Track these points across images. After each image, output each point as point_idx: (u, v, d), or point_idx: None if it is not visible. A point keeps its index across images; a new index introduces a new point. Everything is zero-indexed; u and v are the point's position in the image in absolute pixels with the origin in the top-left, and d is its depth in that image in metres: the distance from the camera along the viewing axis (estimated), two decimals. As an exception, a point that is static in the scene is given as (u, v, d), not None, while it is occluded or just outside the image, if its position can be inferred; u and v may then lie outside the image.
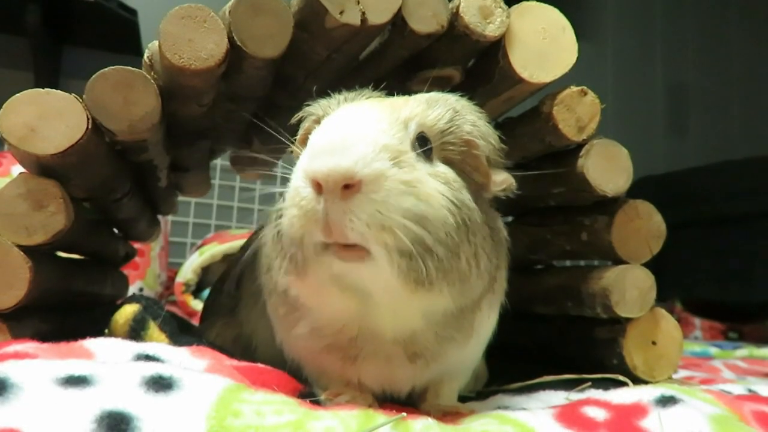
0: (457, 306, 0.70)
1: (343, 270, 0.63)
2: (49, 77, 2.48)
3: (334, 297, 0.66)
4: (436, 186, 0.65)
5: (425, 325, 0.70)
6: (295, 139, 0.79)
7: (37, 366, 0.57)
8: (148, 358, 0.70)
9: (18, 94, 0.77)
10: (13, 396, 0.51)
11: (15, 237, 0.77)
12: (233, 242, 2.41)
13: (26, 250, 0.77)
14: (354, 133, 0.63)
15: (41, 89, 0.77)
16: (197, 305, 2.32)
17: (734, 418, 0.68)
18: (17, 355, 0.63)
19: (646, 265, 0.98)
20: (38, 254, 0.80)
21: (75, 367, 0.57)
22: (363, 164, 0.60)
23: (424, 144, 0.69)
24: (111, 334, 0.93)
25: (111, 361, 0.65)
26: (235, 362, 0.75)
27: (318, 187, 0.60)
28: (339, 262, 0.62)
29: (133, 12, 2.50)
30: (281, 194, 0.70)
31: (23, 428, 0.48)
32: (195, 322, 1.57)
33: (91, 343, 0.72)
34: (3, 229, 0.77)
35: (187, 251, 2.85)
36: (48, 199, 0.78)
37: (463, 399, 0.87)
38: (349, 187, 0.59)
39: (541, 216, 1.14)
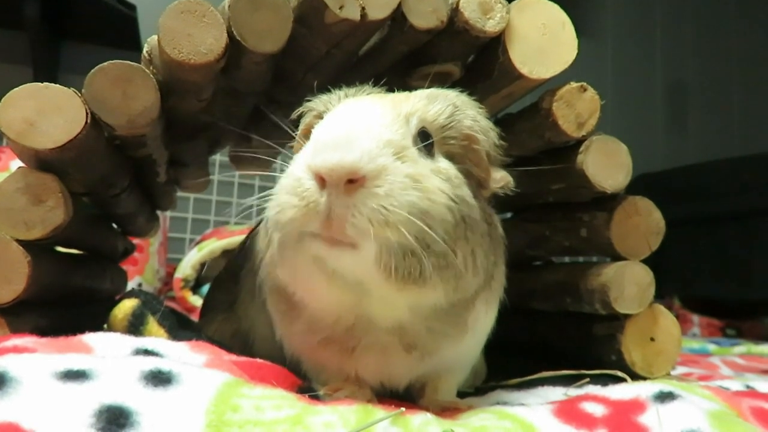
0: (448, 302, 0.69)
1: (323, 253, 0.63)
2: (47, 72, 2.48)
3: (321, 285, 0.66)
4: (437, 182, 0.66)
5: (413, 318, 0.70)
6: (295, 134, 0.79)
7: (36, 360, 0.57)
8: (147, 352, 0.70)
9: (17, 89, 0.77)
10: (12, 390, 0.51)
11: (14, 231, 0.77)
12: (232, 238, 2.41)
13: (25, 244, 0.77)
14: (358, 128, 0.63)
15: (40, 83, 0.77)
16: (196, 301, 2.32)
17: (732, 414, 0.68)
18: (16, 350, 0.63)
19: (645, 261, 0.98)
20: (37, 249, 0.80)
21: (74, 361, 0.57)
22: (368, 159, 0.60)
23: (425, 139, 0.69)
24: (110, 329, 0.92)
25: (110, 356, 0.65)
26: (234, 357, 0.75)
27: (321, 181, 0.60)
28: (322, 247, 0.62)
29: (131, 7, 2.49)
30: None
31: (22, 422, 0.48)
32: (194, 317, 1.57)
33: (90, 338, 0.72)
34: (2, 224, 0.77)
35: (186, 247, 2.85)
36: (47, 193, 0.78)
37: (461, 395, 0.87)
38: (352, 181, 0.60)
39: (541, 212, 1.14)
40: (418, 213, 0.61)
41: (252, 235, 0.91)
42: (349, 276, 0.64)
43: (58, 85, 0.77)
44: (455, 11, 0.87)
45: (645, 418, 0.65)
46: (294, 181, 0.63)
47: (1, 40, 2.64)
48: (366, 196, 0.60)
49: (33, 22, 2.39)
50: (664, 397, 0.69)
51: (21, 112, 0.76)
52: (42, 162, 0.79)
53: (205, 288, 2.35)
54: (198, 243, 2.54)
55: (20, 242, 0.77)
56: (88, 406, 0.51)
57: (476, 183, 0.74)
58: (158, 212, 1.54)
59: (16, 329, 0.78)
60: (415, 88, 0.78)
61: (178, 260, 2.55)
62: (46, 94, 0.77)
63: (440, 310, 0.70)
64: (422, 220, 0.61)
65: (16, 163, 2.13)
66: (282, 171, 0.70)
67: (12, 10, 2.37)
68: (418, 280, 0.63)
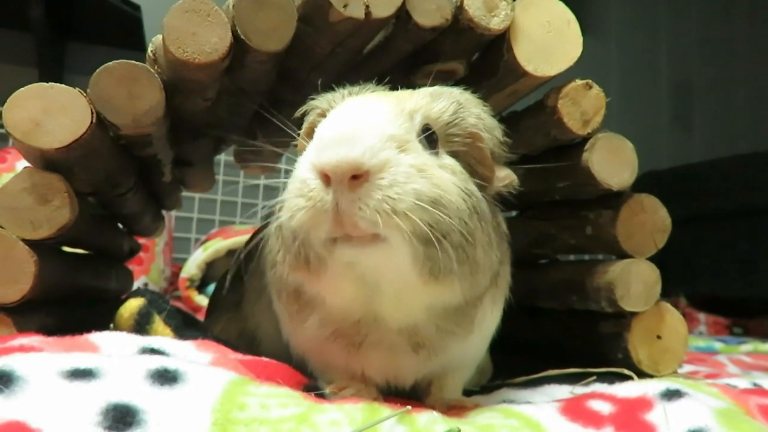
0: (464, 299, 0.69)
1: (356, 257, 0.63)
2: (53, 72, 2.48)
3: (349, 287, 0.66)
4: (445, 174, 0.66)
5: (427, 318, 0.70)
6: (299, 133, 0.79)
7: (42, 359, 0.57)
8: (153, 351, 0.70)
9: (22, 89, 0.77)
10: (18, 389, 0.51)
11: (20, 231, 0.77)
12: (237, 237, 2.42)
13: (31, 244, 0.77)
14: (361, 124, 0.63)
15: (45, 83, 0.77)
16: (202, 300, 2.32)
17: (740, 411, 0.68)
18: (23, 349, 0.63)
19: (651, 259, 0.98)
20: (43, 248, 0.80)
21: (80, 360, 0.57)
22: (371, 155, 0.60)
23: (429, 136, 0.69)
24: (116, 328, 0.93)
25: (116, 355, 0.65)
26: (240, 356, 0.75)
27: (326, 178, 0.60)
28: (351, 248, 0.62)
29: (136, 7, 2.50)
30: (285, 187, 0.70)
31: (29, 421, 0.48)
32: (199, 317, 1.57)
33: (96, 337, 0.72)
34: (8, 224, 0.77)
35: (191, 246, 2.85)
36: (53, 193, 0.78)
37: (467, 393, 0.87)
38: (357, 177, 0.60)
39: (546, 210, 1.14)
40: (426, 200, 0.61)
41: (257, 234, 0.91)
42: (381, 273, 0.64)
43: (63, 85, 0.78)
44: (459, 9, 0.87)
45: (652, 416, 0.65)
46: (300, 183, 0.63)
47: (7, 41, 2.66)
48: (370, 189, 0.60)
49: (38, 24, 2.40)
50: (671, 394, 0.69)
51: (27, 112, 0.76)
52: (48, 162, 0.79)
53: (211, 287, 2.36)
54: (203, 242, 2.55)
55: (26, 242, 0.77)
56: (94, 405, 0.51)
57: (480, 181, 0.73)
58: (163, 212, 1.54)
59: (23, 328, 0.78)
60: (419, 87, 0.77)
61: (184, 260, 2.56)
62: (51, 94, 0.77)
63: (451, 308, 0.70)
64: (433, 207, 0.61)
65: (21, 164, 2.14)
66: (287, 171, 0.71)
67: (17, 11, 2.38)
68: (440, 275, 0.63)
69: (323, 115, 0.74)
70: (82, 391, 0.52)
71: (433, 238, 0.61)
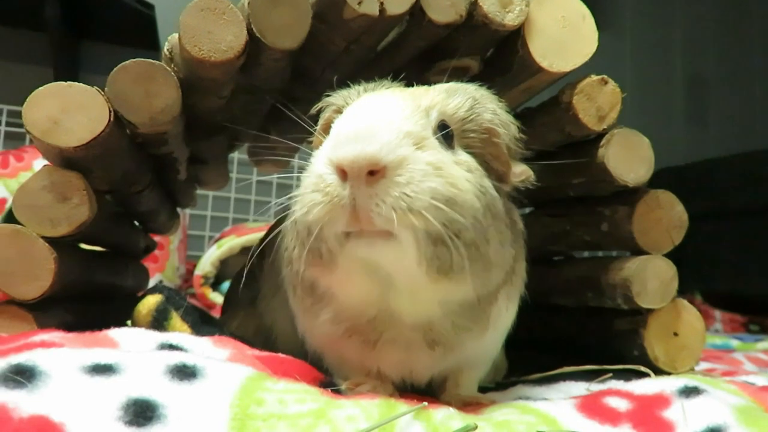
0: (477, 295, 0.69)
1: (368, 252, 0.63)
2: (68, 72, 2.51)
3: (361, 282, 0.67)
4: (460, 171, 0.66)
5: (441, 313, 0.70)
6: (314, 130, 0.80)
7: (63, 354, 0.57)
8: (171, 347, 0.71)
9: (41, 88, 0.78)
10: (41, 383, 0.52)
11: (40, 228, 0.78)
12: (251, 235, 2.43)
13: (51, 241, 0.78)
14: (378, 120, 0.63)
15: (63, 83, 0.78)
16: (216, 298, 2.34)
17: (759, 409, 0.68)
18: (44, 344, 0.64)
19: (667, 255, 0.97)
20: (62, 246, 0.81)
21: (100, 355, 0.58)
22: (388, 150, 0.60)
23: (445, 132, 0.69)
24: (134, 325, 0.94)
25: (135, 350, 0.66)
26: (256, 352, 0.76)
27: (343, 174, 0.61)
28: (364, 244, 0.62)
29: (150, 6, 2.52)
30: (299, 184, 0.70)
31: (52, 415, 0.49)
32: (214, 314, 1.58)
33: (115, 333, 0.73)
34: (28, 221, 0.78)
35: (206, 244, 2.87)
36: (71, 191, 0.79)
37: (482, 390, 0.87)
38: (374, 173, 0.60)
39: (561, 206, 1.13)
40: (442, 199, 0.61)
41: (271, 231, 0.91)
42: (390, 270, 0.65)
43: (81, 84, 0.78)
44: (474, 5, 0.87)
45: (670, 413, 0.64)
46: (317, 178, 0.63)
47: (23, 41, 2.68)
48: (388, 185, 0.60)
49: (53, 23, 2.42)
50: (689, 391, 0.68)
51: (45, 110, 0.77)
52: (66, 160, 0.80)
53: (225, 285, 2.37)
54: (217, 240, 2.56)
55: (46, 239, 0.78)
56: (115, 400, 0.51)
57: (496, 177, 0.73)
58: (178, 209, 1.55)
59: (43, 324, 0.79)
60: (434, 83, 0.77)
61: (198, 257, 2.58)
62: (69, 93, 0.78)
63: (466, 304, 0.70)
64: (448, 206, 0.61)
65: (38, 163, 2.17)
66: (300, 168, 0.71)
67: (33, 11, 2.40)
68: (450, 272, 0.63)
69: (339, 111, 0.75)
70: (102, 386, 0.53)
71: (446, 237, 0.61)
